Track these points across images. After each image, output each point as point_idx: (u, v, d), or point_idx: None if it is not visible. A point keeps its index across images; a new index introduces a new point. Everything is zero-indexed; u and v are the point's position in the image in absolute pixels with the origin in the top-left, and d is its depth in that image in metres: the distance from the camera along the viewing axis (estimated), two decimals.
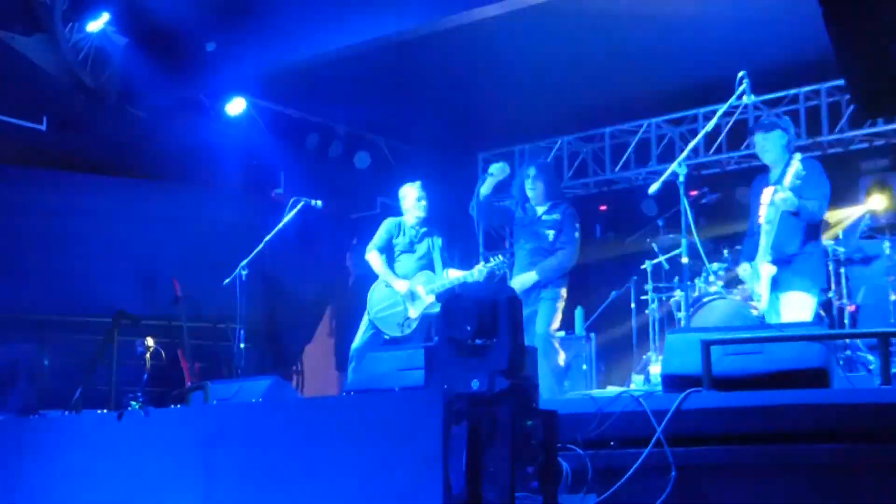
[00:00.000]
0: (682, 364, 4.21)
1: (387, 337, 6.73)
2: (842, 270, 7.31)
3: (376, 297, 6.83)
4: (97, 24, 7.76)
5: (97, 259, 8.44)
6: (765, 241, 5.67)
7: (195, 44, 7.85)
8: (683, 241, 5.91)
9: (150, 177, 8.97)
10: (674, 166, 5.81)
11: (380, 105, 8.92)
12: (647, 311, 7.94)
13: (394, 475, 3.31)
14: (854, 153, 8.66)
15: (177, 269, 8.46)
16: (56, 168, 8.65)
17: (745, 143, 8.68)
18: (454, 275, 6.69)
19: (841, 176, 7.10)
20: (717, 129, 8.34)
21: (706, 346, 4.07)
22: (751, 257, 5.86)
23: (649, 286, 7.96)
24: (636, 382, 7.33)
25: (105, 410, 6.31)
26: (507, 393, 3.33)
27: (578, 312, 8.41)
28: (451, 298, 3.59)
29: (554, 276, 6.35)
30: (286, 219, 7.21)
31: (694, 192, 7.60)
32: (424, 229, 6.91)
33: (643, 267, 8.08)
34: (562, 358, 6.43)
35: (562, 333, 6.53)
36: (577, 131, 9.85)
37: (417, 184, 6.91)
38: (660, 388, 4.49)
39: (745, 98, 5.86)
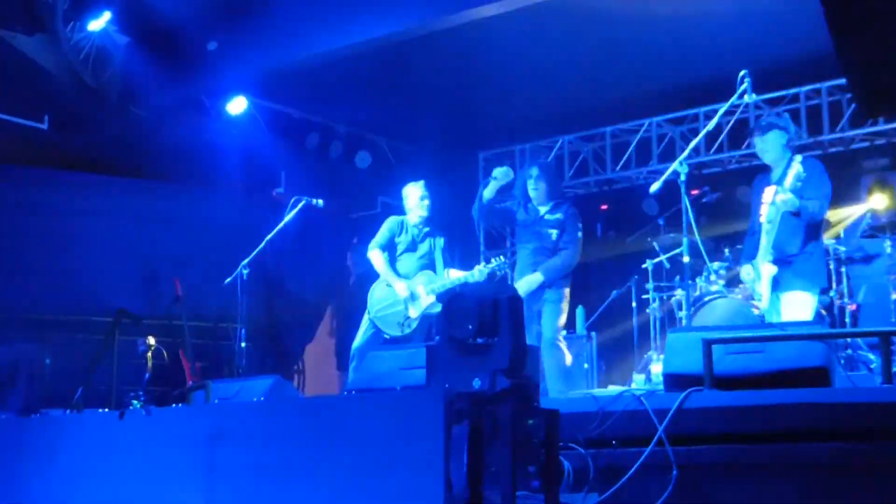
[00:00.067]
0: (684, 363, 4.21)
1: (387, 336, 6.74)
2: (843, 269, 7.31)
3: (377, 297, 6.84)
4: (98, 23, 7.76)
5: (98, 258, 8.44)
6: (766, 241, 5.67)
7: (196, 43, 7.85)
8: (684, 240, 5.91)
9: (152, 176, 8.97)
10: (675, 165, 5.81)
11: (380, 105, 8.92)
12: (648, 311, 7.94)
13: (395, 474, 3.31)
14: (855, 152, 8.66)
15: (178, 268, 8.46)
16: (57, 167, 8.65)
17: (745, 143, 8.67)
18: (455, 275, 6.69)
19: (842, 175, 7.10)
20: (718, 129, 8.35)
21: (707, 345, 4.07)
22: (752, 256, 5.86)
23: (650, 285, 7.96)
24: (637, 381, 7.34)
25: (106, 410, 6.31)
26: (508, 392, 3.33)
27: (580, 312, 8.42)
28: (452, 297, 3.59)
29: (558, 276, 6.35)
30: (287, 218, 7.21)
31: (695, 192, 7.60)
32: (427, 229, 6.92)
33: (644, 266, 8.09)
34: (568, 359, 6.44)
35: (563, 332, 6.53)
36: (578, 130, 9.85)
37: (421, 183, 6.91)
38: (661, 387, 4.49)
39: (746, 97, 5.86)
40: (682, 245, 5.93)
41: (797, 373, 3.98)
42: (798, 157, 5.68)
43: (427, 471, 3.18)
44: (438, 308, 6.49)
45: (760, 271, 5.74)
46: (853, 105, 8.19)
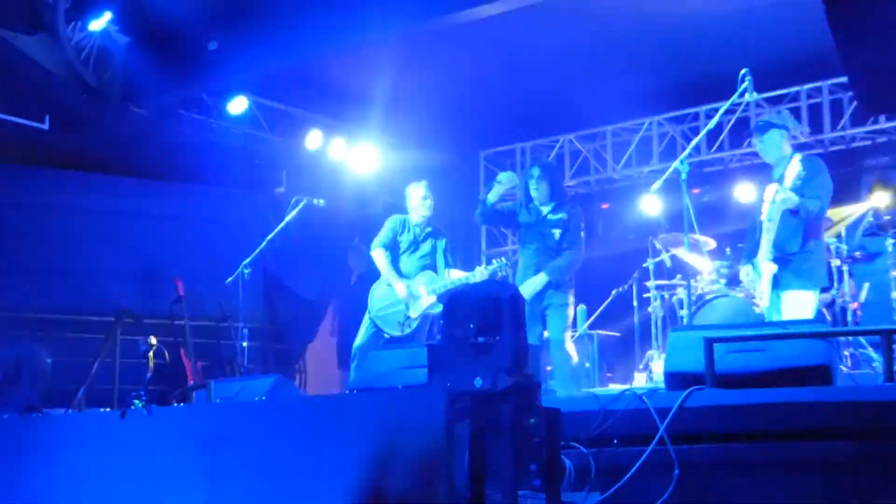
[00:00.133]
0: (685, 362, 4.20)
1: (387, 336, 6.74)
2: (844, 268, 7.30)
3: (377, 296, 6.84)
4: (99, 23, 7.75)
5: (100, 258, 8.44)
6: (766, 239, 5.67)
7: (197, 43, 7.85)
8: (686, 239, 5.91)
9: (153, 176, 8.97)
10: (676, 164, 5.82)
11: (381, 103, 8.91)
12: (649, 309, 7.93)
13: (397, 473, 3.32)
14: (856, 150, 8.66)
15: (179, 267, 8.46)
16: (58, 167, 8.65)
17: (746, 142, 8.67)
18: (456, 276, 6.70)
19: (843, 173, 7.12)
20: (718, 127, 8.33)
21: (709, 343, 4.07)
22: (752, 254, 5.85)
23: (652, 284, 7.96)
24: (639, 380, 7.34)
25: (108, 409, 6.31)
26: (509, 391, 3.33)
27: (581, 310, 8.41)
28: (453, 296, 3.59)
29: (563, 276, 6.32)
30: (288, 217, 7.21)
31: (696, 190, 7.60)
32: (429, 229, 6.91)
33: (645, 265, 8.08)
34: (575, 359, 6.44)
35: (572, 333, 6.53)
36: (579, 129, 9.85)
37: (423, 183, 6.91)
38: (662, 385, 4.49)
39: (746, 96, 5.86)
40: (684, 244, 5.94)
41: (799, 371, 3.98)
42: (798, 155, 5.68)
43: (429, 470, 3.19)
44: (439, 308, 6.50)
45: (761, 270, 5.74)
46: (854, 103, 8.19)
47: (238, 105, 8.66)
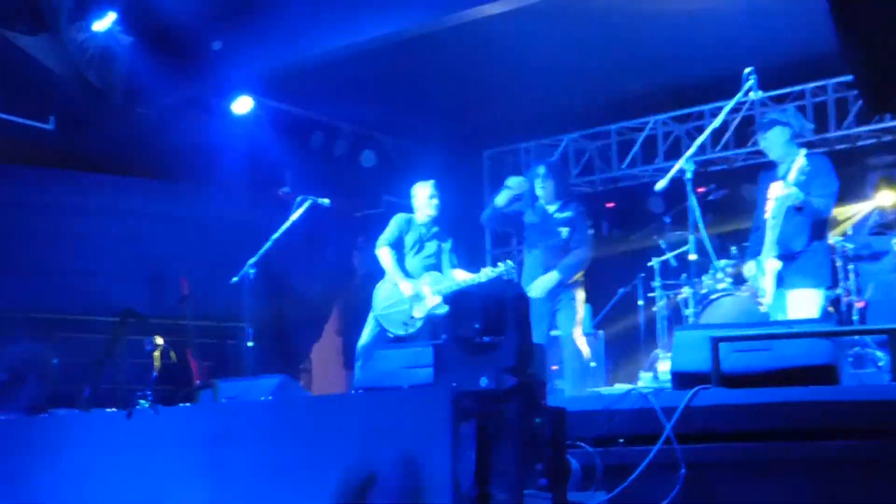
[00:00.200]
0: (691, 361, 4.21)
1: (391, 335, 6.73)
2: (850, 267, 7.29)
3: (382, 296, 6.83)
4: (103, 23, 7.75)
5: (105, 258, 8.46)
6: (770, 236, 5.66)
7: (201, 43, 7.85)
8: (691, 238, 5.91)
9: (157, 176, 8.98)
10: (681, 163, 5.81)
11: (385, 103, 8.92)
12: (654, 308, 7.93)
13: (402, 473, 3.31)
14: (861, 149, 8.64)
15: (184, 267, 8.47)
16: (63, 167, 8.67)
17: (751, 140, 8.65)
18: (461, 276, 6.69)
19: (848, 172, 7.08)
20: (724, 126, 8.32)
21: (715, 342, 4.07)
22: (757, 252, 5.84)
23: (657, 283, 7.95)
24: (644, 380, 7.33)
25: (114, 409, 6.32)
26: (515, 390, 3.33)
27: (586, 309, 8.40)
28: (459, 296, 3.60)
29: (574, 274, 6.34)
30: (293, 217, 7.21)
31: (701, 189, 7.59)
32: (435, 229, 6.90)
33: (650, 264, 8.07)
34: (587, 355, 6.45)
35: (583, 331, 6.54)
36: (583, 129, 9.84)
37: (430, 182, 6.89)
38: (668, 385, 4.49)
39: (751, 94, 5.86)
40: (689, 243, 5.93)
41: (805, 370, 3.98)
42: (803, 151, 5.67)
43: (435, 469, 3.19)
44: (444, 309, 6.49)
45: (764, 267, 5.73)
46: (859, 102, 8.17)
47: (242, 105, 8.66)
